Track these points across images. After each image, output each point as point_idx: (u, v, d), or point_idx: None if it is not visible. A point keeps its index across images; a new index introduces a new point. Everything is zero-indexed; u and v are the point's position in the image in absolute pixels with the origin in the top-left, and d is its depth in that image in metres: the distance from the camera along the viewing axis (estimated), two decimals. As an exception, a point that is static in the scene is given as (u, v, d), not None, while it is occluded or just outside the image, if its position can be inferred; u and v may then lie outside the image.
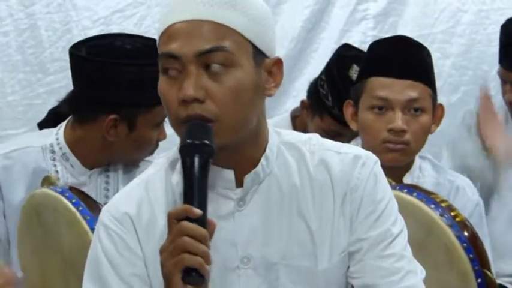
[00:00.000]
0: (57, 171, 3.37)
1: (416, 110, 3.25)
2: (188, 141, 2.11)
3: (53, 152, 3.40)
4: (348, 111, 3.38)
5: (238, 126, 2.19)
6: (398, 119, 3.22)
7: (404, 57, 3.36)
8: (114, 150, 3.40)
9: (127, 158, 3.48)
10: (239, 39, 2.17)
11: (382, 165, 2.37)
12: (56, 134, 3.42)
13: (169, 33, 2.18)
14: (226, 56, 2.13)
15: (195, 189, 2.10)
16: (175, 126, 2.19)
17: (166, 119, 2.60)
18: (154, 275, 2.21)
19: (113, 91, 3.24)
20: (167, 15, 2.21)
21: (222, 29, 2.16)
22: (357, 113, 3.33)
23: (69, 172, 3.38)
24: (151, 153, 3.44)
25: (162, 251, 2.08)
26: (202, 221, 2.05)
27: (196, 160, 2.10)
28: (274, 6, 4.59)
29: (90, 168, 3.42)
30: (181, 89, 2.10)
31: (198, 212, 2.04)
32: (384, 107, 3.25)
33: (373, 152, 2.41)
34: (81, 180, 3.34)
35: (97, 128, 3.33)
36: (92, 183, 3.31)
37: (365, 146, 3.24)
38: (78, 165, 3.39)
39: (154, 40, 2.70)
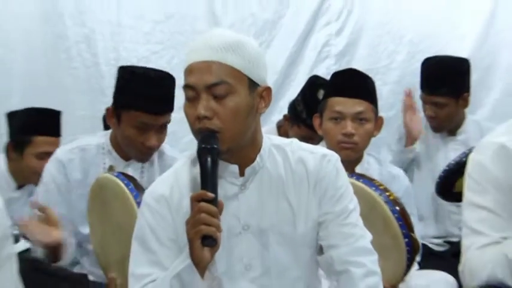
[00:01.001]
0: (104, 163, 3.35)
1: (361, 119, 3.28)
2: (202, 145, 2.14)
3: (103, 149, 3.39)
4: (316, 122, 3.41)
5: (237, 136, 2.21)
6: (349, 126, 3.25)
7: (353, 83, 3.38)
8: (119, 142, 3.34)
9: (130, 154, 3.28)
10: (237, 74, 2.19)
11: (341, 160, 2.40)
12: (106, 135, 3.41)
13: (188, 70, 2.21)
14: (227, 87, 2.15)
15: (208, 180, 2.13)
16: (194, 135, 2.22)
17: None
18: (182, 240, 2.21)
19: (115, 93, 3.15)
20: (187, 57, 2.23)
21: (224, 68, 2.17)
22: (322, 123, 3.35)
23: (115, 162, 3.37)
24: (144, 155, 3.23)
25: (186, 223, 2.11)
26: (214, 202, 2.08)
27: (209, 159, 2.13)
28: (266, 47, 4.58)
29: (126, 160, 3.36)
30: (196, 109, 2.14)
31: (211, 195, 2.08)
32: (339, 117, 3.27)
33: (333, 150, 2.45)
34: (125, 168, 3.31)
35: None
36: (130, 172, 3.27)
37: (328, 146, 3.25)
38: (118, 158, 3.37)
39: (163, 72, 3.08)
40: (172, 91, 3.06)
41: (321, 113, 3.35)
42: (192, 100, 2.16)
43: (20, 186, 3.91)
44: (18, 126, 3.89)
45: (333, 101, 3.29)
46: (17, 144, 3.85)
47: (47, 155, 3.67)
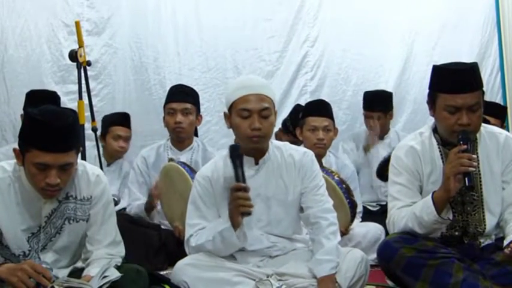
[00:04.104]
0: (168, 154, 3.33)
1: (327, 130, 3.26)
2: (234, 152, 2.17)
3: (165, 145, 3.38)
4: (297, 132, 3.39)
5: (268, 140, 2.26)
6: (320, 134, 3.24)
7: (319, 107, 3.37)
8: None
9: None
10: (271, 101, 2.21)
11: (315, 155, 2.39)
12: (168, 139, 3.41)
13: (243, 99, 2.17)
14: (269, 110, 2.18)
15: (240, 175, 2.13)
16: (245, 141, 2.21)
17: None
18: (221, 206, 2.23)
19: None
20: (240, 90, 2.20)
21: (265, 98, 2.19)
22: (302, 132, 3.33)
23: (173, 154, 3.34)
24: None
25: (229, 204, 2.12)
26: (246, 189, 2.09)
27: (238, 161, 2.15)
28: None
29: (180, 150, 3.35)
30: (252, 123, 2.15)
31: (243, 185, 2.09)
32: (314, 129, 3.25)
33: (312, 149, 2.46)
34: (178, 157, 3.29)
35: None
36: (183, 158, 3.27)
37: (306, 146, 3.23)
38: (175, 150, 3.35)
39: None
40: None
41: (301, 126, 3.33)
42: (246, 117, 2.16)
43: (109, 164, 3.80)
44: (103, 124, 3.82)
45: (310, 119, 3.28)
46: (102, 135, 3.77)
47: (120, 137, 3.71)
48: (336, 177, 2.88)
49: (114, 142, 3.74)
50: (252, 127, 2.14)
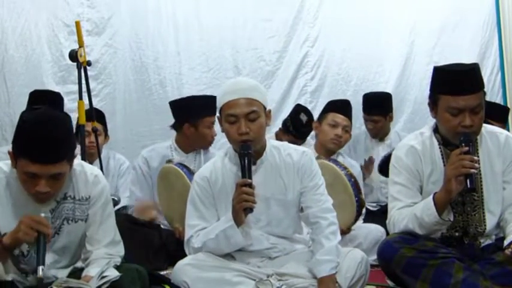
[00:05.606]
0: (172, 155, 3.32)
1: (346, 131, 3.34)
2: (242, 151, 2.15)
3: (171, 147, 3.37)
4: (315, 125, 3.45)
5: (260, 141, 2.22)
6: (339, 131, 3.32)
7: (345, 107, 3.44)
8: (191, 142, 3.33)
9: (196, 146, 3.21)
10: (259, 104, 2.18)
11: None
12: (172, 139, 3.42)
13: (229, 104, 2.16)
14: (256, 113, 2.15)
15: (246, 172, 2.11)
16: (234, 143, 2.21)
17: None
18: (219, 207, 2.21)
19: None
20: (227, 95, 2.19)
21: (252, 101, 2.16)
22: (320, 126, 3.40)
23: (178, 155, 3.34)
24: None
25: (233, 200, 2.12)
26: (250, 185, 2.09)
27: (246, 159, 2.13)
28: (268, 88, 4.52)
29: (186, 153, 3.34)
30: (239, 128, 2.12)
31: (249, 181, 2.08)
32: (335, 125, 3.32)
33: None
34: (183, 159, 3.28)
35: (183, 131, 3.30)
36: (188, 160, 3.27)
37: (322, 140, 3.36)
38: (180, 152, 3.34)
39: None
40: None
41: (320, 120, 3.41)
42: (233, 123, 2.15)
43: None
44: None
45: (333, 114, 3.35)
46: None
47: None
48: (348, 172, 2.88)
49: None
50: (239, 132, 2.13)
